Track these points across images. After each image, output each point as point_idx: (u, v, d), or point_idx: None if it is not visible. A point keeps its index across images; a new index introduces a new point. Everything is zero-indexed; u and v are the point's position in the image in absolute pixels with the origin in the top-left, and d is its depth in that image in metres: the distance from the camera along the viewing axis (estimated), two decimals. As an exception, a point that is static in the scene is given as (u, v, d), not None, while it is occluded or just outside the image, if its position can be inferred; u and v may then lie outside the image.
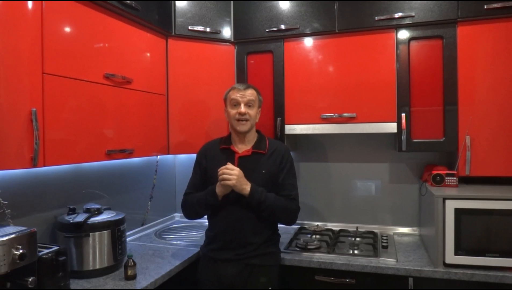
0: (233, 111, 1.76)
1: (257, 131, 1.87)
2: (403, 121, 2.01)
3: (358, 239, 2.22)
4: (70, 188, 1.86)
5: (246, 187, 1.66)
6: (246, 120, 1.74)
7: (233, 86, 1.81)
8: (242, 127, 1.74)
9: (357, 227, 2.41)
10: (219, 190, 1.68)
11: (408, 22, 2.01)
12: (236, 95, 1.75)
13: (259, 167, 1.74)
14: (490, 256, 1.70)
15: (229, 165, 1.65)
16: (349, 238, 2.25)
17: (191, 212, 1.83)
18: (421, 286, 1.76)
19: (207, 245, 1.84)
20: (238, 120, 1.74)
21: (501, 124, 1.89)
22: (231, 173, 1.63)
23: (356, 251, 1.99)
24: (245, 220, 1.73)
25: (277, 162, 1.77)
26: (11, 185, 1.56)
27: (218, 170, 1.65)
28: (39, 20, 1.38)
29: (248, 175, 1.67)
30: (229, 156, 1.78)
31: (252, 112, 1.76)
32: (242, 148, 1.80)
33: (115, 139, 1.78)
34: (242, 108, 1.73)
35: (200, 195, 1.76)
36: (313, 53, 2.19)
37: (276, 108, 2.25)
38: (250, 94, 1.76)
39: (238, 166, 1.72)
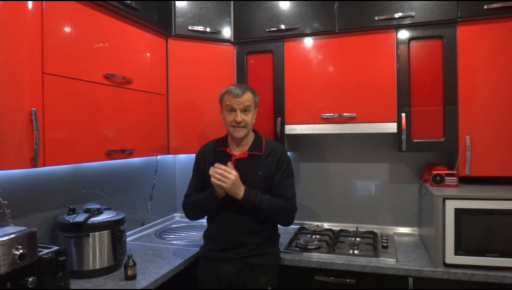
0: (229, 118, 1.73)
1: (254, 131, 1.86)
2: (403, 121, 2.01)
3: (358, 239, 2.22)
4: (70, 188, 1.86)
5: (240, 192, 1.64)
6: (243, 126, 1.73)
7: (229, 88, 1.75)
8: (239, 133, 1.74)
9: (357, 227, 2.41)
10: (217, 191, 1.68)
11: (408, 22, 2.01)
12: (232, 101, 1.71)
13: (256, 169, 1.73)
14: (490, 256, 1.70)
15: (228, 168, 1.63)
16: (349, 238, 2.25)
17: (192, 213, 1.84)
18: (421, 286, 1.76)
19: (206, 245, 1.84)
20: (234, 126, 1.73)
21: (501, 124, 1.89)
22: (228, 176, 1.61)
23: (356, 251, 1.99)
24: (243, 220, 1.73)
25: (273, 163, 1.77)
26: (11, 185, 1.56)
27: (212, 169, 1.64)
28: (39, 20, 1.38)
29: (244, 178, 1.67)
30: (225, 158, 1.76)
31: (249, 117, 1.74)
32: (239, 150, 1.80)
33: (115, 139, 1.78)
34: (239, 117, 1.70)
35: (200, 197, 1.77)
36: (313, 53, 2.19)
37: (276, 108, 2.25)
38: (246, 99, 1.72)
39: (234, 167, 1.72)
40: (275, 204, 1.70)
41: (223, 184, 1.61)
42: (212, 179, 1.63)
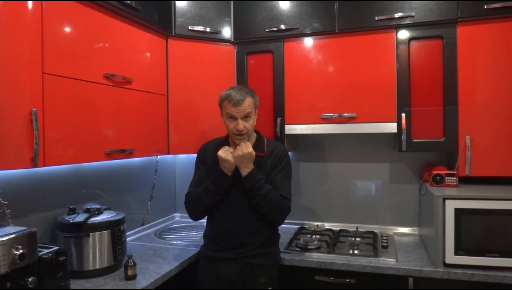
0: (230, 125, 1.71)
1: (256, 132, 1.86)
2: (403, 121, 2.01)
3: (358, 239, 2.22)
4: (70, 188, 1.86)
5: (247, 168, 1.67)
6: (244, 133, 1.71)
7: (228, 94, 1.70)
8: (241, 141, 1.73)
9: (357, 227, 2.41)
10: (223, 166, 1.68)
11: (408, 22, 2.01)
12: (232, 110, 1.67)
13: (258, 169, 1.72)
14: (490, 256, 1.70)
15: (247, 144, 1.70)
16: (349, 238, 2.25)
17: (196, 207, 1.78)
18: (421, 286, 1.76)
19: (206, 245, 1.84)
20: (236, 134, 1.71)
21: (501, 124, 1.89)
22: (247, 148, 1.67)
23: (356, 251, 1.99)
24: (243, 220, 1.74)
25: (274, 162, 1.77)
26: (11, 185, 1.56)
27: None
28: (39, 20, 1.38)
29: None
30: None
31: (250, 123, 1.71)
32: None
33: (115, 139, 1.78)
34: (240, 125, 1.68)
35: (206, 184, 1.73)
36: (313, 53, 2.19)
37: (276, 108, 2.25)
38: (246, 106, 1.68)
39: (236, 168, 1.72)
40: (273, 196, 1.67)
41: (239, 152, 1.66)
42: (219, 152, 1.68)
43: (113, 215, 1.76)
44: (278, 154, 1.79)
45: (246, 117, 1.70)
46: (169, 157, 2.69)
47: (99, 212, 1.74)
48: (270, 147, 1.81)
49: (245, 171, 1.67)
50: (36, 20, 1.38)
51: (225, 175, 1.69)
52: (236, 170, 1.70)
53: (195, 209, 1.79)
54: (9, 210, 1.51)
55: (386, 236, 2.19)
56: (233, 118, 1.70)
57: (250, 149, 1.67)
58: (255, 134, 1.84)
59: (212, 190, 1.71)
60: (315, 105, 2.17)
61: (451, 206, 1.74)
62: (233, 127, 1.70)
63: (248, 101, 1.70)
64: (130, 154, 1.86)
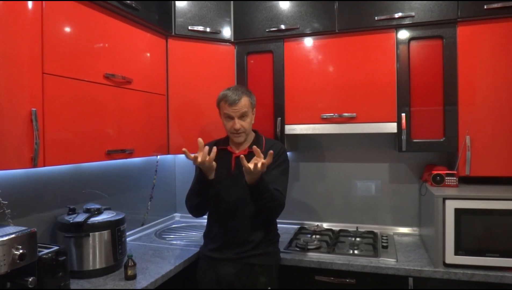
0: (227, 124, 1.75)
1: (255, 131, 1.87)
2: (403, 121, 2.01)
3: (358, 239, 2.22)
4: (70, 188, 1.86)
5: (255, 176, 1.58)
6: (242, 132, 1.73)
7: (224, 94, 1.73)
8: (238, 139, 1.75)
9: (357, 227, 2.41)
10: (205, 173, 1.64)
11: (408, 22, 2.01)
12: (228, 110, 1.71)
13: None
14: (490, 256, 1.70)
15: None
16: (349, 238, 2.25)
17: (189, 205, 1.79)
18: (421, 286, 1.76)
19: (206, 245, 1.85)
20: (233, 133, 1.74)
21: (501, 124, 1.89)
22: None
23: (356, 251, 1.99)
24: (241, 218, 1.74)
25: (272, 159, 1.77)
26: (11, 185, 1.56)
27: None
28: (39, 20, 1.38)
29: (244, 174, 1.67)
30: (226, 156, 1.78)
31: (247, 122, 1.74)
32: (239, 148, 1.81)
33: (115, 139, 1.78)
34: (237, 124, 1.70)
35: (192, 185, 1.76)
36: (313, 53, 2.19)
37: (276, 108, 2.25)
38: (242, 106, 1.71)
39: (234, 165, 1.73)
40: (276, 194, 1.67)
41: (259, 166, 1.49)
42: (199, 159, 1.56)
43: (113, 215, 1.76)
44: (275, 150, 1.79)
45: (242, 116, 1.73)
46: (169, 157, 2.69)
47: (99, 212, 1.74)
48: (268, 145, 1.82)
49: (254, 178, 1.55)
50: (36, 20, 1.37)
51: (205, 180, 1.66)
52: (236, 169, 1.70)
53: (189, 207, 1.81)
54: (9, 210, 1.52)
55: (386, 236, 2.19)
56: (230, 117, 1.73)
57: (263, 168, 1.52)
58: (253, 133, 1.86)
59: (194, 190, 1.73)
60: (315, 105, 2.17)
61: (451, 206, 1.74)
62: (230, 127, 1.73)
63: (244, 101, 1.72)
64: (130, 154, 1.86)
